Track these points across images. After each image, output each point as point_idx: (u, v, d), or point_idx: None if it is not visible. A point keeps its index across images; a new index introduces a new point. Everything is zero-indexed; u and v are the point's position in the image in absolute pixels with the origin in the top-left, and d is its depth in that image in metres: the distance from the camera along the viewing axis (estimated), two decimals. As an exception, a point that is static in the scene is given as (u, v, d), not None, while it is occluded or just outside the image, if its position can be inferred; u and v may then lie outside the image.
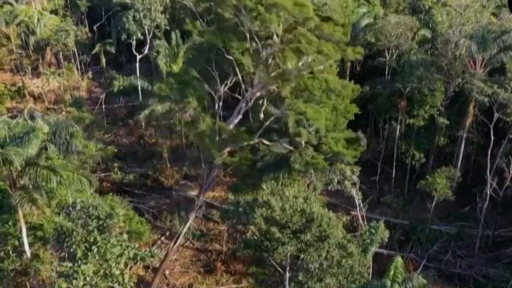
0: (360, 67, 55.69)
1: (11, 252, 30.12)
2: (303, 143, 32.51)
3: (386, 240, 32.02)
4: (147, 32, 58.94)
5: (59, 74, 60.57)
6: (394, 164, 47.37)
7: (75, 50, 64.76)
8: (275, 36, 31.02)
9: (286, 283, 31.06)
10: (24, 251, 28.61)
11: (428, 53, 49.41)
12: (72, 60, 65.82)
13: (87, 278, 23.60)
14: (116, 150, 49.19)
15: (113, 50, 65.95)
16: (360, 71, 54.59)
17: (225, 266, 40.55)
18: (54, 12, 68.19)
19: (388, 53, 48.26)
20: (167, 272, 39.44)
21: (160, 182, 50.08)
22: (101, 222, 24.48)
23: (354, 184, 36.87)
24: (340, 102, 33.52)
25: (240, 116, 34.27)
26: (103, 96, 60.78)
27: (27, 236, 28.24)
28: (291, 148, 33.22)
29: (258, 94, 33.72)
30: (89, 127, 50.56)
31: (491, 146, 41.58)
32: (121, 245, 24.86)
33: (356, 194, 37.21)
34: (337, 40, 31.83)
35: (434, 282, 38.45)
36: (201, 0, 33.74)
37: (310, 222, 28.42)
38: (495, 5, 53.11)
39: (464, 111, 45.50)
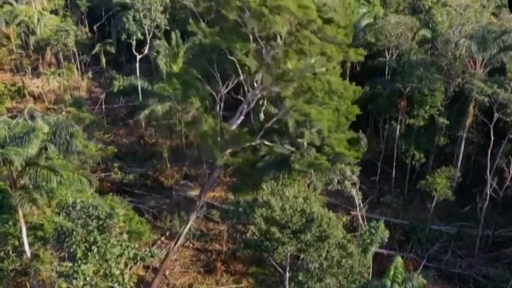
0: (360, 67, 55.66)
1: (11, 252, 30.12)
2: (305, 144, 32.61)
3: (386, 240, 32.02)
4: (147, 32, 58.95)
5: (59, 74, 60.58)
6: (394, 164, 47.37)
7: (75, 50, 64.77)
8: (278, 38, 31.13)
9: (286, 283, 31.06)
10: (24, 251, 28.62)
11: (428, 53, 49.42)
12: (72, 60, 65.83)
13: (87, 278, 23.59)
14: (116, 150, 49.19)
15: (113, 50, 65.96)
16: (360, 71, 54.56)
17: (225, 266, 40.56)
18: (54, 12, 68.18)
19: (388, 53, 48.27)
20: (167, 272, 39.45)
21: (160, 182, 50.08)
22: (101, 222, 24.48)
23: (354, 184, 36.88)
24: (342, 104, 33.61)
25: (242, 117, 34.38)
26: (103, 96, 60.78)
27: (27, 236, 28.24)
28: (293, 149, 33.31)
29: (260, 95, 33.80)
30: (89, 127, 50.57)
31: (491, 146, 41.58)
32: (121, 245, 24.85)
33: (356, 194, 37.22)
34: (340, 42, 31.96)
35: (434, 282, 38.46)
36: (202, 0, 33.78)
37: (310, 222, 28.42)
38: (495, 5, 53.09)
39: (464, 111, 45.50)
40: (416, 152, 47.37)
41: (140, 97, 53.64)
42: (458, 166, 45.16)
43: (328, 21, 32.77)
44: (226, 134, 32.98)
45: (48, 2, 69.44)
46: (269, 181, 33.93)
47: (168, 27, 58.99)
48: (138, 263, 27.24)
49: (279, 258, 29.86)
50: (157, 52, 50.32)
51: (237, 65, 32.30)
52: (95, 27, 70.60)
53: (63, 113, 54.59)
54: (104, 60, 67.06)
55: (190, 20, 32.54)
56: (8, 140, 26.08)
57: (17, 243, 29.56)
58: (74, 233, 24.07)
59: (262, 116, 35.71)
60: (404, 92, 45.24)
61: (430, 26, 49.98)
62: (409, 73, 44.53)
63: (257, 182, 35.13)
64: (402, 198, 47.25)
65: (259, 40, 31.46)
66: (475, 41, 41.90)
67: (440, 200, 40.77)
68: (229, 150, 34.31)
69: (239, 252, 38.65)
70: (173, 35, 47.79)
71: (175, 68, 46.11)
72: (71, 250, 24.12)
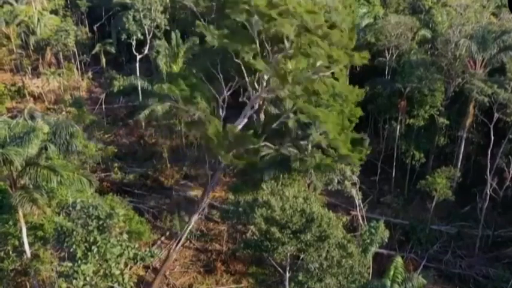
0: (360, 67, 55.41)
1: (11, 252, 30.13)
2: (309, 146, 32.73)
3: (386, 240, 32.00)
4: (147, 32, 58.95)
5: (59, 74, 60.57)
6: (394, 164, 47.38)
7: (75, 50, 64.76)
8: (285, 41, 31.36)
9: (286, 283, 31.06)
10: (24, 251, 28.63)
11: (428, 53, 49.40)
12: (72, 60, 65.82)
13: (87, 278, 23.59)
14: (116, 150, 49.19)
15: (113, 50, 65.96)
16: (359, 71, 54.49)
17: (225, 266, 40.57)
18: (54, 12, 68.15)
19: (388, 53, 48.25)
20: (167, 272, 39.44)
21: (160, 182, 50.08)
22: (101, 222, 24.48)
23: (354, 184, 36.88)
24: (345, 106, 33.90)
25: (246, 120, 34.61)
26: (103, 96, 60.79)
27: (28, 235, 28.25)
28: (295, 151, 33.50)
29: (264, 97, 34.07)
30: (89, 127, 50.53)
31: (491, 146, 41.58)
32: (121, 245, 24.84)
33: (356, 194, 37.22)
34: (345, 45, 32.27)
35: (434, 282, 38.46)
36: (203, 0, 34.01)
37: (310, 222, 28.42)
38: (495, 5, 53.05)
39: (464, 111, 45.51)
40: (416, 152, 47.37)
41: (140, 97, 53.62)
42: (458, 166, 45.16)
43: (333, 25, 33.13)
44: (230, 136, 33.17)
45: (48, 2, 69.41)
46: (269, 181, 33.94)
47: (168, 27, 58.98)
48: (138, 263, 27.24)
49: (279, 258, 29.85)
50: (157, 52, 50.32)
51: (242, 68, 32.48)
52: (95, 27, 70.60)
53: (63, 113, 54.60)
54: (104, 60, 67.07)
55: (198, 22, 32.63)
56: (8, 140, 26.09)
57: (17, 243, 29.57)
58: (74, 233, 24.07)
59: (262, 116, 35.82)
60: (404, 92, 45.25)
61: (430, 26, 49.96)
62: (409, 73, 44.53)
63: (257, 182, 35.20)
64: (402, 198, 47.25)
65: (265, 43, 31.71)
66: (475, 41, 41.91)
67: (440, 200, 40.78)
68: (232, 152, 34.47)
69: (239, 252, 38.65)
70: (173, 35, 47.79)
71: (175, 68, 46.10)
72: (71, 250, 24.11)
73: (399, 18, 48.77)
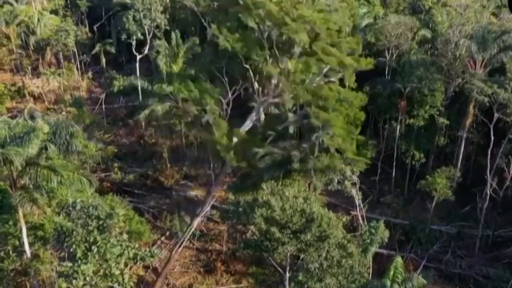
0: (360, 67, 55.63)
1: (11, 252, 30.13)
2: (316, 150, 33.38)
3: (386, 240, 32.00)
4: (147, 32, 58.95)
5: (59, 74, 60.58)
6: (394, 164, 47.38)
7: (75, 50, 64.78)
8: (295, 47, 31.64)
9: (286, 283, 31.07)
10: (24, 251, 28.63)
11: (428, 53, 49.38)
12: (72, 60, 65.83)
13: (87, 278, 23.57)
14: (116, 150, 49.21)
15: (113, 50, 65.97)
16: (359, 71, 54.47)
17: (225, 266, 40.57)
18: (54, 12, 68.15)
19: (388, 53, 48.24)
20: (167, 272, 39.40)
21: (160, 182, 50.08)
22: (101, 222, 24.47)
23: (354, 184, 36.86)
24: (350, 110, 34.34)
25: (251, 124, 34.89)
26: (103, 96, 60.81)
27: (28, 235, 28.24)
28: (298, 153, 33.79)
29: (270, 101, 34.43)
30: (89, 127, 50.56)
31: (491, 146, 41.57)
32: (121, 245, 24.83)
33: (356, 194, 37.20)
34: (352, 51, 32.75)
35: (434, 282, 38.46)
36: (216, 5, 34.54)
37: (310, 222, 28.42)
38: (495, 5, 53.04)
39: (464, 111, 45.50)
40: (416, 152, 47.36)
41: (140, 97, 53.63)
42: (458, 166, 45.16)
43: (339, 30, 33.67)
44: (237, 139, 33.59)
45: (48, 2, 69.40)
46: (269, 181, 33.95)
47: (168, 27, 58.99)
48: (138, 263, 27.23)
49: (279, 258, 29.85)
50: (157, 52, 50.27)
51: (250, 72, 32.77)
52: (95, 27, 70.60)
53: (63, 113, 54.60)
54: (104, 60, 67.07)
55: (213, 25, 32.80)
56: (8, 139, 26.08)
57: (17, 243, 29.57)
58: (74, 233, 24.07)
59: (262, 116, 35.95)
60: (404, 92, 45.24)
61: (430, 26, 49.95)
62: (409, 73, 44.52)
63: (257, 182, 35.25)
64: (402, 198, 47.25)
65: (274, 48, 31.99)
66: (475, 41, 41.90)
67: (440, 200, 40.78)
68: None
69: (239, 252, 38.66)
70: (173, 35, 47.75)
71: (175, 68, 46.08)
72: (71, 250, 24.10)
73: (399, 18, 48.76)
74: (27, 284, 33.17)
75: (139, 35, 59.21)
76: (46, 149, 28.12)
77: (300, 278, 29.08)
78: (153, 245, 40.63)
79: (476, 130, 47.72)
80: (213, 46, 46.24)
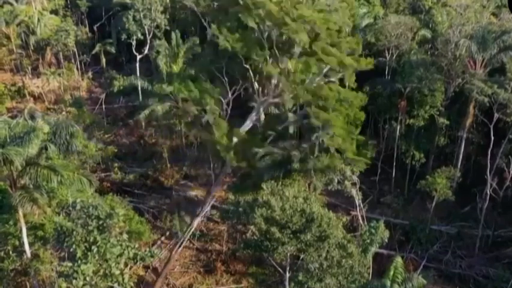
0: (360, 67, 55.61)
1: (11, 252, 30.13)
2: (316, 150, 33.56)
3: (386, 240, 31.98)
4: (147, 32, 58.96)
5: (59, 74, 60.59)
6: (394, 164, 47.37)
7: (75, 50, 64.78)
8: (296, 47, 31.75)
9: (286, 283, 31.06)
10: (24, 251, 28.63)
11: (428, 53, 49.37)
12: (72, 60, 65.84)
13: (87, 278, 23.56)
14: (116, 150, 49.23)
15: (113, 50, 65.97)
16: (359, 71, 54.49)
17: (225, 266, 40.57)
18: (54, 12, 68.15)
19: (388, 53, 48.23)
20: (162, 268, 39.40)
21: (160, 182, 50.08)
22: (100, 222, 24.46)
23: (354, 184, 36.85)
24: (350, 111, 34.47)
25: (251, 124, 34.93)
26: (103, 96, 60.82)
27: (28, 235, 28.24)
28: (298, 153, 33.87)
29: (271, 101, 34.53)
30: (89, 127, 50.57)
31: (491, 146, 41.57)
32: (121, 245, 24.82)
33: (356, 194, 37.20)
34: (352, 51, 32.88)
35: (434, 282, 38.46)
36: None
37: (310, 222, 28.41)
38: (495, 5, 53.02)
39: (464, 111, 45.49)
40: (416, 152, 47.35)
41: (140, 97, 53.65)
42: (458, 166, 45.15)
43: (339, 30, 33.75)
44: (237, 139, 33.68)
45: (48, 2, 69.41)
46: (269, 181, 33.95)
47: (168, 27, 58.99)
48: (138, 263, 27.22)
49: (279, 258, 29.84)
50: (158, 52, 50.29)
51: (250, 72, 32.81)
52: (95, 27, 70.60)
53: (63, 113, 54.61)
54: (104, 60, 67.07)
55: (213, 25, 32.86)
56: (8, 139, 26.07)
57: (17, 243, 29.57)
58: (74, 232, 24.06)
59: (262, 116, 35.98)
60: (404, 92, 45.23)
61: (430, 26, 49.93)
62: (409, 73, 44.51)
63: (257, 182, 35.27)
64: (402, 198, 47.24)
65: (274, 48, 32.05)
66: (475, 41, 41.88)
67: (440, 200, 40.78)
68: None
69: (239, 252, 38.66)
70: (173, 35, 47.75)
71: (175, 68, 46.09)
72: (71, 250, 24.09)
73: (399, 18, 48.75)
74: (27, 284, 33.17)
75: (139, 35, 59.22)
76: (46, 149, 28.11)
77: (300, 278, 29.07)
78: (153, 245, 40.62)
79: (476, 130, 47.71)
80: (213, 46, 46.40)
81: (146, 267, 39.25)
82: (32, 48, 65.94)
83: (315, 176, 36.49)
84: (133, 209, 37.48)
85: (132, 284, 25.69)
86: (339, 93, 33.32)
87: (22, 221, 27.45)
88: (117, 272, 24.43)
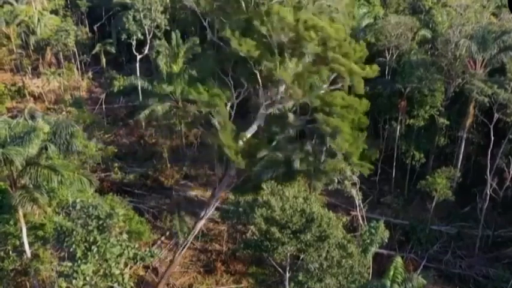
0: (360, 67, 55.56)
1: (11, 252, 30.14)
2: (323, 156, 33.93)
3: (386, 240, 31.98)
4: (147, 32, 58.96)
5: (59, 74, 60.59)
6: (394, 164, 47.37)
7: (75, 50, 64.79)
8: (308, 55, 32.54)
9: (286, 283, 31.06)
10: (24, 251, 28.62)
11: (429, 53, 49.35)
12: (72, 60, 65.85)
13: (87, 278, 23.55)
14: (116, 150, 49.23)
15: (113, 50, 65.98)
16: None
17: (225, 266, 40.57)
18: (55, 12, 68.19)
19: (388, 53, 48.20)
20: (164, 270, 39.40)
21: (160, 182, 50.09)
22: (100, 222, 24.46)
23: (354, 184, 36.87)
24: (355, 116, 34.80)
25: (256, 128, 35.12)
26: (103, 96, 60.82)
27: (28, 235, 28.24)
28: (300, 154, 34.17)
29: (280, 106, 34.92)
30: (89, 127, 50.61)
31: (491, 146, 41.58)
32: (121, 245, 24.81)
33: (356, 194, 37.22)
34: (359, 58, 33.77)
35: (434, 283, 38.47)
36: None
37: (310, 222, 28.42)
38: (495, 5, 53.00)
39: (464, 111, 45.49)
40: (416, 152, 47.35)
41: (140, 97, 53.63)
42: (458, 166, 45.15)
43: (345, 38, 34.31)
44: (242, 142, 34.45)
45: (48, 2, 69.44)
46: (269, 181, 33.95)
47: (168, 27, 59.00)
48: (138, 263, 27.21)
49: (279, 258, 29.84)
50: (158, 52, 50.33)
51: (258, 76, 33.08)
52: (95, 27, 70.61)
53: (64, 113, 54.61)
54: (104, 60, 67.08)
55: (227, 27, 33.00)
56: (8, 139, 26.07)
57: (17, 242, 29.57)
58: (74, 232, 24.05)
59: (258, 118, 36.15)
60: (405, 92, 45.24)
61: (430, 26, 49.91)
62: (409, 73, 44.51)
63: (258, 184, 35.30)
64: (402, 198, 47.24)
65: (285, 54, 32.56)
66: (475, 41, 41.88)
67: (440, 200, 40.79)
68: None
69: (239, 252, 38.66)
70: (173, 35, 47.78)
71: (176, 68, 46.10)
72: (71, 250, 24.09)
73: (399, 18, 48.71)
74: (27, 283, 33.18)
75: (139, 35, 59.23)
76: (46, 148, 28.07)
77: (300, 278, 29.07)
78: (153, 245, 40.64)
79: (477, 130, 47.71)
80: (215, 48, 46.48)
81: (146, 267, 39.26)
82: (32, 48, 65.96)
83: (316, 177, 36.51)
84: (133, 209, 37.50)
85: (132, 284, 25.69)
86: (343, 99, 33.75)
87: (22, 220, 27.45)
88: (117, 272, 24.42)
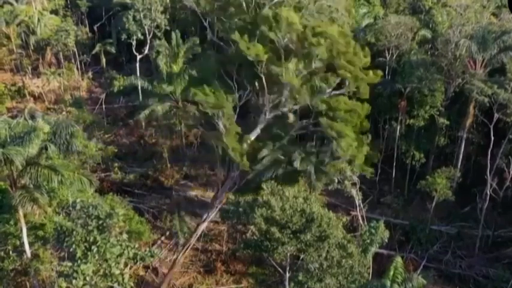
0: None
1: (11, 252, 30.15)
2: (326, 159, 34.41)
3: (386, 240, 31.95)
4: (147, 32, 58.97)
5: (59, 74, 60.60)
6: (394, 164, 47.37)
7: (75, 50, 64.78)
8: (316, 61, 33.00)
9: (286, 283, 31.07)
10: (25, 251, 28.63)
11: (429, 53, 49.34)
12: (72, 60, 65.84)
13: (87, 278, 23.55)
14: (116, 150, 49.23)
15: (113, 50, 65.97)
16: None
17: (225, 266, 40.57)
18: (55, 12, 68.20)
19: (388, 53, 48.19)
20: (167, 272, 39.39)
21: (160, 182, 50.08)
22: (100, 222, 24.47)
23: (354, 184, 36.86)
24: (357, 120, 35.01)
25: (259, 131, 35.27)
26: (103, 96, 60.82)
27: (28, 235, 28.24)
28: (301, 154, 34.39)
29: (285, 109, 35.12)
30: (89, 127, 50.60)
31: (491, 146, 41.58)
32: (121, 245, 24.81)
33: (356, 194, 37.19)
34: (363, 64, 34.25)
35: (434, 283, 38.47)
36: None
37: (310, 222, 28.42)
38: (495, 5, 52.98)
39: (464, 111, 45.49)
40: (416, 152, 47.35)
41: (140, 97, 53.66)
42: (458, 166, 45.15)
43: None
44: (246, 145, 34.84)
45: (48, 2, 69.44)
46: (269, 181, 33.97)
47: (168, 27, 59.00)
48: (138, 263, 27.21)
49: (279, 258, 29.85)
50: (158, 52, 50.33)
51: (263, 80, 33.48)
52: (95, 27, 70.60)
53: (64, 112, 54.61)
54: (104, 60, 67.07)
55: (236, 32, 33.10)
56: (8, 139, 26.08)
57: (17, 242, 29.58)
58: (74, 232, 24.06)
59: (262, 120, 36.25)
60: (405, 92, 45.24)
61: (430, 26, 49.90)
62: (409, 73, 44.50)
63: (259, 185, 35.36)
64: (402, 198, 47.23)
65: (292, 59, 33.02)
66: (475, 41, 41.87)
67: (440, 200, 40.78)
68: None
69: (239, 252, 38.65)
70: (173, 35, 47.80)
71: (176, 68, 46.11)
72: (71, 250, 24.09)
73: (399, 18, 48.73)
74: (27, 283, 33.19)
75: (139, 35, 59.23)
76: (46, 148, 28.07)
77: (300, 278, 29.07)
78: (153, 245, 40.63)
79: (477, 130, 47.71)
80: (215, 48, 46.51)
81: (146, 267, 39.25)
82: (32, 48, 65.96)
83: (316, 177, 36.52)
84: (133, 209, 37.51)
85: (132, 284, 25.69)
86: (345, 104, 34.13)
87: (22, 220, 27.46)
88: (117, 272, 24.42)
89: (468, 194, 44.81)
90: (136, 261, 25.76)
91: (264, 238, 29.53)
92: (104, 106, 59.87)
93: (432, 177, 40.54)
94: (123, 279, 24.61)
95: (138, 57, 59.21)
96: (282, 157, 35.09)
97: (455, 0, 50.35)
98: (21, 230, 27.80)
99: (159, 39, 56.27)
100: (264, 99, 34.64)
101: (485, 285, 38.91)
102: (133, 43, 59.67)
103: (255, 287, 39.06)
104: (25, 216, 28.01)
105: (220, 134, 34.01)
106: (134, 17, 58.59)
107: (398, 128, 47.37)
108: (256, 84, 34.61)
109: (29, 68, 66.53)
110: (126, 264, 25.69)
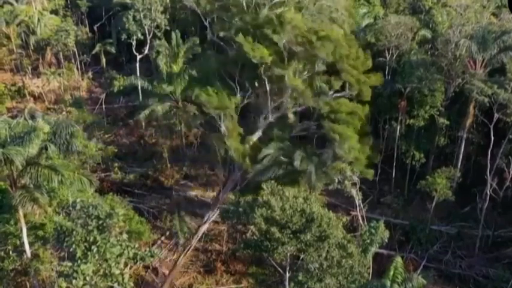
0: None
1: (11, 252, 30.14)
2: (329, 161, 34.74)
3: (386, 240, 31.93)
4: (147, 32, 58.98)
5: (59, 74, 60.60)
6: (394, 164, 47.36)
7: (75, 50, 64.79)
8: (320, 64, 33.43)
9: (286, 283, 31.05)
10: (25, 251, 28.63)
11: (429, 53, 49.32)
12: (72, 60, 65.84)
13: (87, 278, 23.55)
14: (116, 150, 49.25)
15: (113, 50, 65.98)
16: (360, 71, 54.51)
17: (225, 266, 40.58)
18: (55, 12, 68.20)
19: (388, 53, 48.17)
20: (167, 272, 39.42)
21: (160, 182, 50.09)
22: (100, 222, 24.46)
23: (354, 184, 36.86)
24: (358, 122, 35.12)
25: (261, 133, 35.40)
26: (103, 96, 60.82)
27: (28, 235, 28.24)
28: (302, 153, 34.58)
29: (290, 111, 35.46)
30: (89, 127, 50.60)
31: (491, 146, 41.57)
32: (121, 245, 24.80)
33: (356, 194, 37.19)
34: (365, 67, 34.75)
35: (434, 283, 38.47)
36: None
37: (310, 222, 28.41)
38: (495, 5, 52.98)
39: (464, 111, 45.48)
40: (416, 152, 47.34)
41: (140, 97, 53.68)
42: (458, 166, 45.14)
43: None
44: (248, 146, 35.14)
45: (48, 2, 69.42)
46: (269, 181, 33.96)
47: (168, 27, 59.01)
48: (138, 263, 27.21)
49: (279, 258, 29.82)
50: (158, 52, 50.32)
51: (266, 82, 33.44)
52: (95, 27, 70.61)
53: (64, 113, 54.59)
54: (104, 60, 67.08)
55: (240, 34, 33.10)
56: (8, 139, 26.09)
57: (17, 242, 29.58)
58: (74, 232, 24.06)
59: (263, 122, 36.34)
60: (405, 92, 45.23)
61: (430, 26, 49.89)
62: (409, 73, 44.49)
63: (259, 184, 35.39)
64: (402, 198, 47.23)
65: (296, 62, 33.20)
66: (475, 41, 41.86)
67: (440, 200, 40.77)
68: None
69: (239, 252, 38.64)
70: (173, 35, 47.80)
71: (176, 68, 46.11)
72: (71, 250, 24.09)
73: (399, 18, 48.71)
74: (27, 283, 33.19)
75: (139, 35, 59.25)
76: (46, 148, 28.07)
77: (300, 278, 29.05)
78: (153, 245, 40.63)
79: (477, 130, 47.69)
80: (215, 48, 46.49)
81: (146, 267, 39.25)
82: (32, 48, 65.97)
83: (317, 177, 36.53)
84: (133, 209, 37.50)
85: (132, 284, 25.68)
86: (346, 106, 34.16)
87: (22, 220, 27.46)
88: (117, 272, 24.42)
89: (468, 194, 44.81)
90: (136, 261, 25.76)
91: (264, 238, 29.51)
92: (104, 106, 59.87)
93: (432, 177, 40.54)
94: (123, 279, 24.61)
95: (138, 57, 59.21)
96: (283, 157, 35.10)
97: (455, 0, 50.35)
98: (21, 230, 27.80)
99: (159, 39, 56.26)
100: (267, 101, 34.69)
101: (485, 285, 38.91)
102: (133, 43, 59.68)
103: (255, 287, 39.07)
104: (25, 216, 28.02)
105: (222, 135, 34.05)
106: (134, 17, 58.61)
107: (398, 128, 47.36)
108: (257, 85, 34.68)
109: (29, 68, 66.53)
110: (126, 264, 25.69)
